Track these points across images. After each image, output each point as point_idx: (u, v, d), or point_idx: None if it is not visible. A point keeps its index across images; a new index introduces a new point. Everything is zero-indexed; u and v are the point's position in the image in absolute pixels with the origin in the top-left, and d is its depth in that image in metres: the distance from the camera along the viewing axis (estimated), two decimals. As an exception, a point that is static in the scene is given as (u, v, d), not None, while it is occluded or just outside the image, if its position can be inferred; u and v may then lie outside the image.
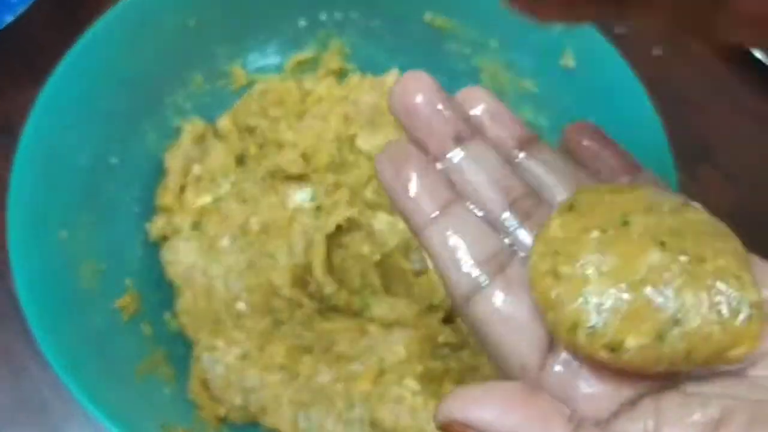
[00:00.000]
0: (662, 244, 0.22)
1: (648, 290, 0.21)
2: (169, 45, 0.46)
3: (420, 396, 0.41)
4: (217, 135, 0.48)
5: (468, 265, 0.23)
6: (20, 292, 0.36)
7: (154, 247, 0.46)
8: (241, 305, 0.43)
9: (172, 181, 0.46)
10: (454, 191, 0.24)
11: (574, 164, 0.26)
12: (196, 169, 0.47)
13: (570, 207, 0.24)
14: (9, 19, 0.49)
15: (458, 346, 0.43)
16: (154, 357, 0.42)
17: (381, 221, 0.44)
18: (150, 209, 0.46)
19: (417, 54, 0.49)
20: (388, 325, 0.43)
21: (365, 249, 0.44)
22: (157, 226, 0.46)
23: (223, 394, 0.42)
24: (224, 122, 0.48)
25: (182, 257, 0.45)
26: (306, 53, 0.50)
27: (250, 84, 0.50)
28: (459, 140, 0.25)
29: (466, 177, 0.24)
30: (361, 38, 0.50)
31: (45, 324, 0.36)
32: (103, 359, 0.39)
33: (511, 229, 0.24)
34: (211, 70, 0.49)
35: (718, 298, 0.22)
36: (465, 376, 0.43)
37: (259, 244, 0.44)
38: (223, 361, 0.42)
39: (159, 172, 0.47)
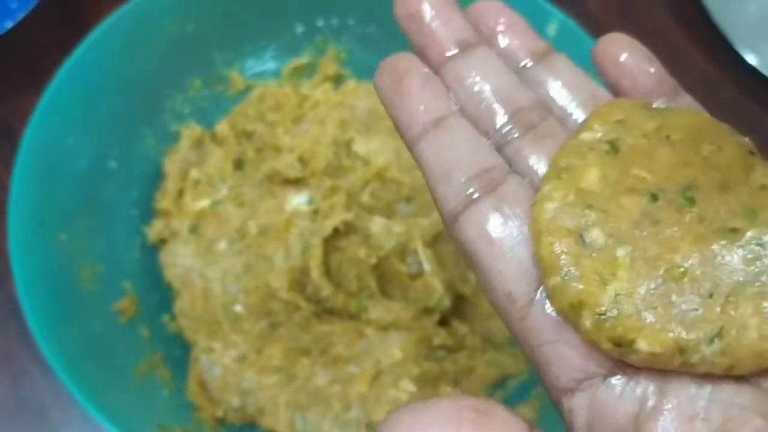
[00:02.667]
0: (733, 231, 0.19)
1: (693, 292, 0.18)
2: (168, 50, 0.46)
3: (416, 398, 0.41)
4: (215, 140, 0.49)
5: (458, 180, 0.21)
6: (21, 295, 0.36)
7: (153, 250, 0.46)
8: (238, 308, 0.44)
9: (171, 185, 0.47)
10: (453, 103, 0.22)
11: (594, 82, 0.24)
12: (194, 173, 0.47)
13: (613, 146, 0.20)
14: (9, 24, 0.49)
15: (454, 349, 0.44)
16: (153, 359, 0.43)
17: (377, 225, 0.45)
18: (148, 213, 0.47)
19: (413, 60, 0.50)
20: (384, 328, 0.43)
21: (362, 252, 0.44)
22: (155, 229, 0.46)
23: (221, 395, 0.42)
24: (222, 127, 0.49)
25: (180, 260, 0.45)
26: (303, 59, 0.51)
27: (247, 89, 0.50)
28: (463, 47, 0.23)
29: (466, 85, 0.23)
30: (358, 44, 0.51)
31: (46, 327, 0.36)
32: (102, 361, 0.39)
33: (510, 139, 0.22)
34: (209, 76, 0.49)
35: None
36: (460, 378, 0.43)
37: (257, 247, 0.44)
38: (221, 363, 0.43)
39: (157, 176, 0.47)
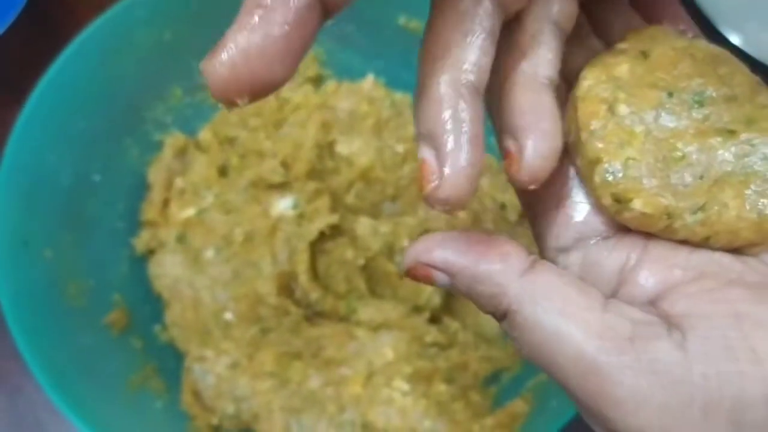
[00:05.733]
0: (731, 133, 0.21)
1: (687, 172, 0.21)
2: (145, 60, 0.46)
3: (410, 396, 0.41)
4: (199, 147, 0.49)
5: None
6: (7, 314, 0.36)
7: (141, 261, 0.46)
8: (228, 315, 0.44)
9: (156, 195, 0.47)
10: None
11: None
12: (179, 182, 0.47)
13: (644, 54, 0.23)
14: (-13, 40, 0.49)
15: (446, 345, 0.44)
16: (145, 371, 0.43)
17: (363, 225, 0.45)
18: (135, 224, 0.47)
19: (393, 57, 0.49)
20: (375, 328, 0.43)
21: (349, 254, 0.44)
22: (142, 240, 0.46)
23: (215, 403, 0.42)
24: (205, 134, 0.49)
25: (168, 270, 0.45)
26: (283, 61, 0.51)
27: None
28: None
29: None
30: (337, 44, 0.50)
31: (34, 346, 0.36)
32: (94, 376, 0.39)
33: None
34: (189, 84, 0.49)
35: (758, 201, 0.21)
36: (454, 374, 0.43)
37: (244, 253, 0.44)
38: (214, 371, 0.43)
39: (142, 186, 0.47)
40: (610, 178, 0.21)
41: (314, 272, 0.44)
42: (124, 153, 0.47)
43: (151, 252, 0.46)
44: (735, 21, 0.59)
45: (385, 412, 0.41)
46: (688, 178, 0.21)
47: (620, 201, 0.21)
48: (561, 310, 0.19)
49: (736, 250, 0.21)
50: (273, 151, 0.47)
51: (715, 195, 0.21)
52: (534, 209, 0.22)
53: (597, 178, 0.21)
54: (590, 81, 0.22)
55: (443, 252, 0.21)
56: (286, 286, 0.43)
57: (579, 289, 0.20)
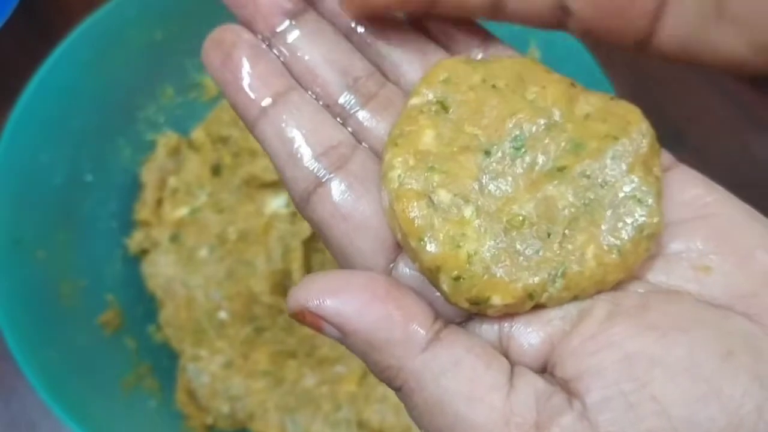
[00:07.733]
0: (561, 169, 0.20)
1: (533, 235, 0.19)
2: (137, 60, 0.46)
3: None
4: (192, 146, 0.49)
5: (305, 159, 0.20)
6: (-1, 314, 0.36)
7: (135, 261, 0.46)
8: (222, 314, 0.44)
9: (149, 194, 0.47)
10: (290, 76, 0.21)
11: (422, 36, 0.23)
12: (172, 181, 0.47)
13: (443, 105, 0.21)
14: (-21, 41, 0.49)
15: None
16: (139, 370, 0.42)
17: (357, 223, 0.45)
18: (128, 224, 0.47)
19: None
20: (369, 326, 0.43)
21: (343, 251, 0.44)
22: (135, 240, 0.46)
23: (210, 402, 0.42)
24: (198, 133, 0.49)
25: (162, 270, 0.45)
26: (276, 60, 0.51)
27: (221, 94, 0.50)
28: (290, 15, 0.22)
29: (300, 57, 0.22)
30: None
31: (26, 348, 0.36)
32: (88, 376, 0.39)
33: (352, 112, 0.21)
34: (181, 83, 0.49)
35: (614, 238, 0.19)
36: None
37: (237, 252, 0.44)
38: (208, 370, 0.43)
39: (135, 186, 0.47)
40: (459, 285, 0.19)
41: (308, 270, 0.44)
42: (117, 153, 0.47)
43: (144, 252, 0.46)
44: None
45: (380, 409, 0.41)
46: (536, 242, 0.19)
47: (478, 302, 0.19)
48: (467, 394, 0.17)
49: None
50: (266, 150, 0.46)
51: (568, 249, 0.19)
52: None
53: (445, 287, 0.19)
54: (399, 170, 0.20)
55: (336, 303, 0.18)
56: (280, 285, 0.43)
57: (487, 362, 0.18)
